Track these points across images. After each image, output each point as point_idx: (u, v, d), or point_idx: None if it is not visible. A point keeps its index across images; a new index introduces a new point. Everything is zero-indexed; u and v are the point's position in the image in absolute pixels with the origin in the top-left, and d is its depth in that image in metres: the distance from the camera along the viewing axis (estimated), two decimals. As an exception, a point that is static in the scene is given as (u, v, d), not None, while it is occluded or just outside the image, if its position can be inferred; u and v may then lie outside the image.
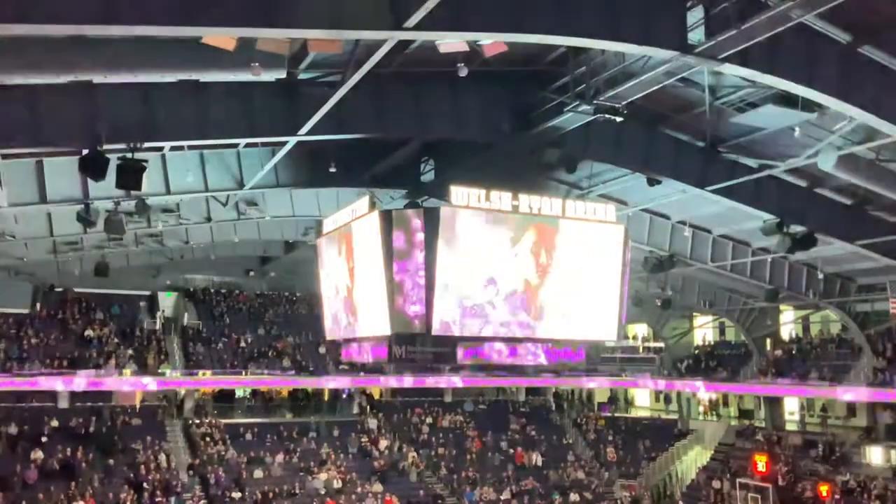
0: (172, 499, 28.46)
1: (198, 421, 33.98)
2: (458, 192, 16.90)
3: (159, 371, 33.46)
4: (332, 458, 33.37)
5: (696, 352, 43.75)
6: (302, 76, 16.04)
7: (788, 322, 39.25)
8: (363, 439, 35.47)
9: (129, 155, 15.64)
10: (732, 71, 14.35)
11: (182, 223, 24.70)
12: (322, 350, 37.14)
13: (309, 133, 16.76)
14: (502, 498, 33.10)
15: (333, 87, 14.99)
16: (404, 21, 11.51)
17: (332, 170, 20.51)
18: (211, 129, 16.90)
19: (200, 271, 40.64)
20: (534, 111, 17.98)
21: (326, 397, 38.49)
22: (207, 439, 32.70)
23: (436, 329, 16.68)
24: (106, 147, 15.28)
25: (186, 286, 41.19)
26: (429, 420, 38.15)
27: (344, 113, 16.07)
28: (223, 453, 31.93)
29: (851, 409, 34.81)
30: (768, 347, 38.99)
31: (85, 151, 15.31)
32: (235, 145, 19.96)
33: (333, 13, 11.68)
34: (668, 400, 43.54)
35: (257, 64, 13.75)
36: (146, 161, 16.04)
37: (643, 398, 46.34)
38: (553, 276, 17.74)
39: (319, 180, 21.98)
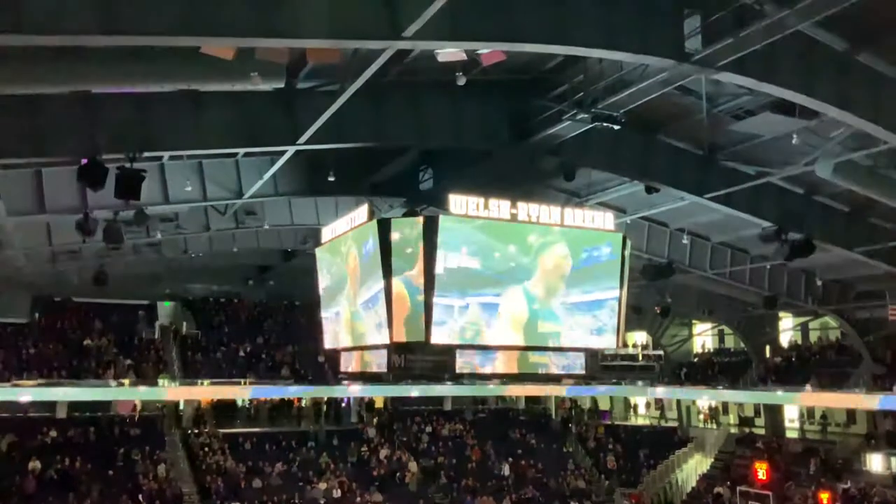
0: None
1: (196, 430, 33.91)
2: (456, 201, 16.89)
3: (158, 380, 33.37)
4: (331, 467, 33.29)
5: (696, 359, 43.74)
6: (301, 85, 16.09)
7: (787, 329, 39.25)
8: (362, 448, 35.39)
9: (127, 164, 15.66)
10: (730, 79, 14.40)
11: (181, 232, 24.72)
12: (321, 359, 37.06)
13: (308, 142, 16.81)
14: (502, 507, 33.02)
15: (332, 96, 15.03)
16: (403, 31, 11.56)
17: (331, 178, 20.54)
18: (209, 139, 16.95)
19: (199, 280, 40.63)
20: (532, 119, 18.03)
21: (325, 406, 38.39)
22: (206, 449, 32.62)
23: (435, 338, 16.65)
24: (104, 156, 15.31)
25: (185, 295, 41.17)
26: (428, 429, 38.07)
27: (342, 122, 16.12)
28: (222, 463, 31.84)
29: (851, 416, 34.77)
30: (768, 354, 38.99)
31: (84, 161, 15.32)
32: (234, 155, 20.00)
33: (332, 23, 11.72)
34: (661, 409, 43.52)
35: (256, 73, 13.79)
36: (145, 170, 16.07)
37: (641, 406, 46.23)
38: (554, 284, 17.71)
39: (318, 189, 22.03)
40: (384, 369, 17.74)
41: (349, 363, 19.65)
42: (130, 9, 10.83)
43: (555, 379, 34.31)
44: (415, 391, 32.87)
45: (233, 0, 11.45)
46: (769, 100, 16.15)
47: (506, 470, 35.74)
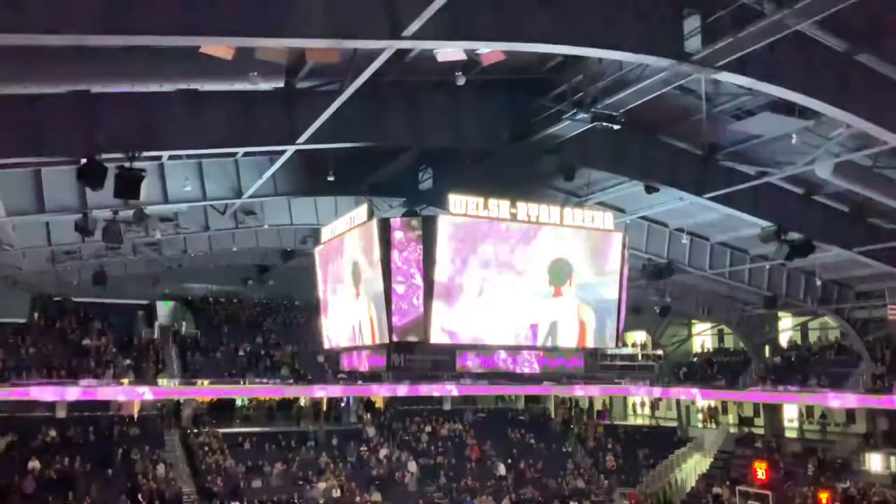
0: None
1: (196, 430, 33.90)
2: (456, 201, 16.94)
3: (157, 380, 33.37)
4: (330, 467, 33.28)
5: (695, 359, 43.74)
6: (300, 85, 16.07)
7: (787, 329, 39.27)
8: (362, 448, 35.39)
9: (127, 164, 15.63)
10: (729, 79, 14.39)
11: (180, 232, 24.69)
12: (321, 359, 37.07)
13: (307, 142, 16.77)
14: (501, 507, 33.00)
15: (332, 95, 15.01)
16: (403, 30, 11.55)
17: (331, 178, 20.51)
18: (209, 139, 16.91)
19: (198, 280, 40.57)
20: (531, 119, 18.00)
21: (325, 406, 38.43)
22: (206, 449, 32.61)
23: (434, 337, 16.68)
24: (104, 156, 15.28)
25: (184, 295, 41.14)
26: (428, 428, 38.07)
27: (342, 121, 16.07)
28: (221, 463, 31.83)
29: (851, 415, 34.80)
30: (767, 354, 39.00)
31: (83, 161, 15.30)
32: (234, 154, 19.96)
33: (332, 23, 11.70)
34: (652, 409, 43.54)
35: (256, 73, 13.77)
36: (144, 170, 16.04)
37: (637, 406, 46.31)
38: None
39: (318, 189, 21.99)
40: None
41: (359, 363, 19.65)
42: (131, 8, 10.81)
43: (555, 378, 34.67)
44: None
45: (233, 0, 11.44)
46: (769, 100, 16.14)
47: (502, 470, 35.74)
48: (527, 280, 17.64)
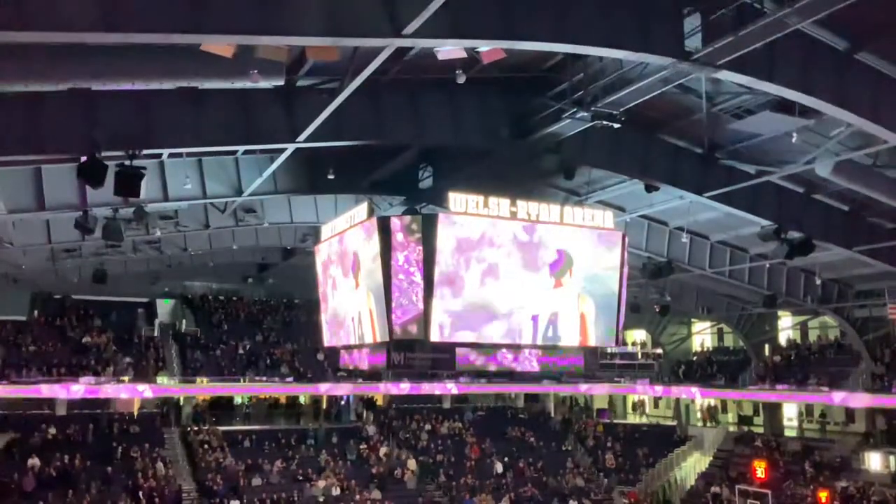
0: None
1: (196, 428, 33.93)
2: (456, 199, 16.95)
3: (157, 378, 33.40)
4: (330, 465, 33.30)
5: (695, 358, 43.76)
6: (300, 83, 16.07)
7: (787, 328, 39.27)
8: (362, 446, 35.42)
9: (127, 162, 15.64)
10: (729, 78, 14.39)
11: (180, 230, 24.72)
12: (320, 357, 37.11)
13: (307, 140, 16.78)
14: (501, 505, 33.02)
15: (332, 93, 15.01)
16: (403, 28, 11.55)
17: (331, 176, 20.54)
18: (209, 136, 16.91)
19: (198, 278, 40.66)
20: (532, 118, 18.02)
21: (325, 404, 38.46)
22: (206, 447, 32.63)
23: (434, 335, 16.70)
24: (104, 154, 15.28)
25: (184, 293, 41.22)
26: (427, 427, 38.09)
27: (342, 120, 16.09)
28: (221, 460, 31.86)
29: (850, 414, 34.81)
30: (767, 353, 39.01)
31: (83, 158, 15.31)
32: (234, 152, 19.97)
33: (332, 21, 11.71)
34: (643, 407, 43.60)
35: (256, 71, 13.75)
36: (144, 168, 16.04)
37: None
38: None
39: (318, 187, 22.00)
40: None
41: (359, 361, 19.69)
42: (131, 6, 10.82)
43: (555, 377, 34.69)
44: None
45: (233, -2, 11.45)
46: (769, 98, 16.14)
47: (499, 468, 35.74)
48: (528, 271, 17.65)
